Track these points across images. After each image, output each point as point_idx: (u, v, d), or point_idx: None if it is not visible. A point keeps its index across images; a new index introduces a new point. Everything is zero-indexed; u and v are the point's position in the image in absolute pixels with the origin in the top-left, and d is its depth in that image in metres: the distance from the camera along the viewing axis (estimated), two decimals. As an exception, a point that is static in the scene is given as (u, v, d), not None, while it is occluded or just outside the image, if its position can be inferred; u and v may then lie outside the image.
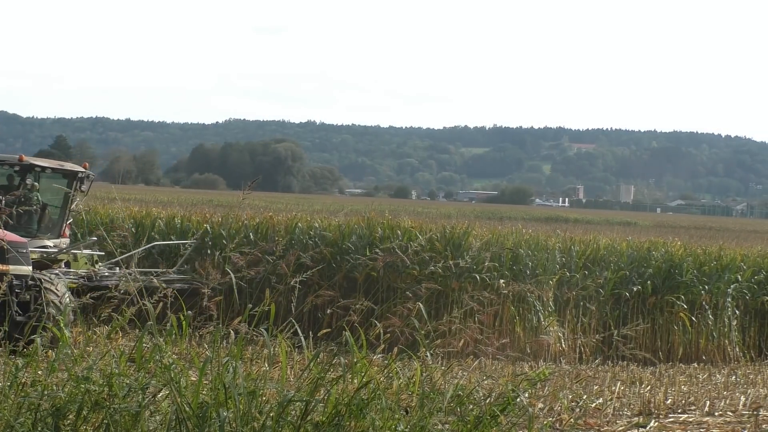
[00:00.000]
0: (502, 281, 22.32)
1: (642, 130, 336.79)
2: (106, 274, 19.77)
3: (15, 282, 16.75)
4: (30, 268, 17.37)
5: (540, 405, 12.68)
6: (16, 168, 20.33)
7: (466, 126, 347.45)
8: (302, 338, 9.34)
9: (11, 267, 17.08)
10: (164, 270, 20.35)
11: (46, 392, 7.77)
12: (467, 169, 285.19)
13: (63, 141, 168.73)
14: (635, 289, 24.28)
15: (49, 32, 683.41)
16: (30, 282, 16.92)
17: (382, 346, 10.58)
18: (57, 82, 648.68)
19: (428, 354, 9.48)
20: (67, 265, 20.06)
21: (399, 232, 23.42)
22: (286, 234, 23.50)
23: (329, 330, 15.88)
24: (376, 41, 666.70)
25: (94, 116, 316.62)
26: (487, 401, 8.54)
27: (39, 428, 7.67)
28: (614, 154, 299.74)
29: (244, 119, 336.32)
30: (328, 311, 19.10)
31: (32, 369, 8.08)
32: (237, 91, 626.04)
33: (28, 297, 16.90)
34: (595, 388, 16.26)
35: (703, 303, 24.75)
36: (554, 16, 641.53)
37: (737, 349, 24.91)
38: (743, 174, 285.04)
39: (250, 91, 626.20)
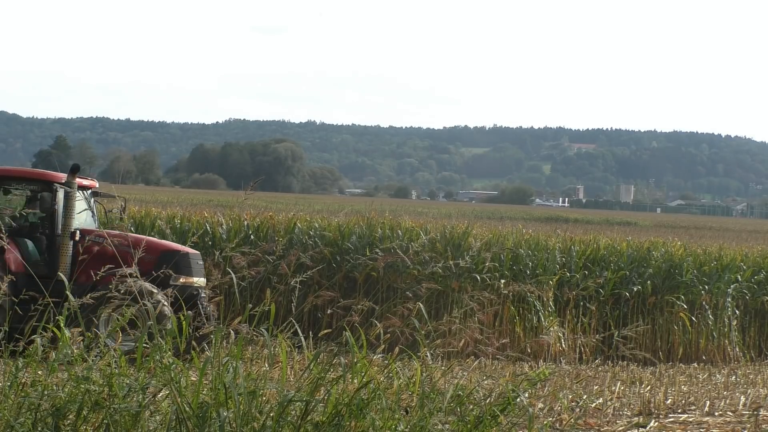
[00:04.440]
0: (502, 281, 22.32)
1: (642, 130, 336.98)
2: None
3: (202, 294, 16.67)
4: (204, 279, 17.24)
5: (540, 405, 12.67)
6: None
7: (466, 126, 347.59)
8: (302, 338, 9.35)
9: (195, 279, 17.03)
10: None
11: (46, 392, 7.76)
12: (467, 169, 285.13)
13: (63, 141, 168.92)
14: (635, 289, 24.28)
15: (50, 32, 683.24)
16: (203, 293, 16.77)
17: (383, 346, 10.57)
18: (57, 82, 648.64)
19: (428, 354, 9.48)
20: None
21: (399, 232, 23.44)
22: (286, 234, 23.49)
23: (329, 330, 15.89)
24: (376, 41, 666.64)
25: (94, 116, 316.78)
26: (487, 401, 8.54)
27: (39, 428, 7.67)
28: (614, 154, 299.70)
29: (244, 119, 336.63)
30: (329, 311, 19.10)
31: (32, 369, 8.08)
32: (237, 91, 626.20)
33: (210, 308, 16.82)
34: (595, 388, 16.25)
35: (703, 303, 24.76)
36: (554, 16, 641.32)
37: (737, 349, 24.92)
38: (743, 174, 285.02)
39: (250, 91, 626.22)
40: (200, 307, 16.57)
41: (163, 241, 18.50)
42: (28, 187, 17.71)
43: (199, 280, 17.10)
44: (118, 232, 18.31)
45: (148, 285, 15.52)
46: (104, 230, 17.79)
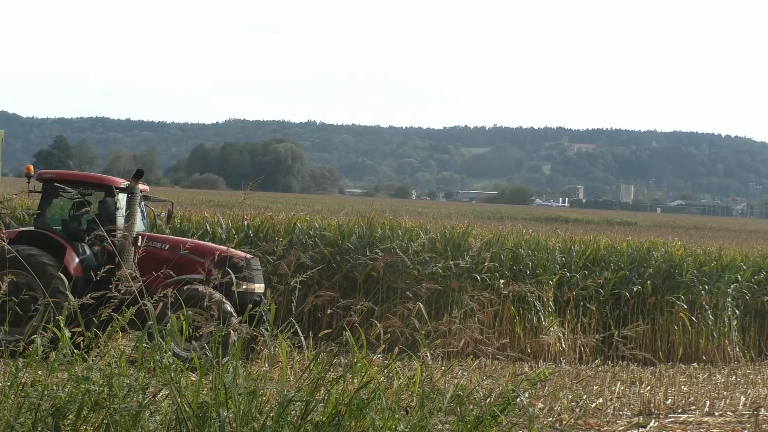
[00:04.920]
0: (502, 281, 22.32)
1: (642, 130, 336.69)
2: None
3: (264, 301, 16.74)
4: (263, 285, 17.37)
5: (540, 405, 12.67)
6: None
7: (466, 126, 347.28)
8: (302, 338, 9.36)
9: (256, 285, 17.12)
10: None
11: (46, 392, 7.76)
12: (467, 169, 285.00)
13: (63, 141, 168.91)
14: (635, 289, 24.28)
15: (50, 32, 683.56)
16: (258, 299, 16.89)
17: (383, 346, 10.58)
18: (57, 82, 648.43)
19: (428, 354, 9.48)
20: None
21: (399, 232, 23.45)
22: (286, 234, 23.48)
23: (329, 330, 15.89)
24: (376, 41, 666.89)
25: (94, 116, 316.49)
26: (487, 401, 8.54)
27: (39, 428, 7.67)
28: (614, 154, 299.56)
29: (244, 119, 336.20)
30: (328, 311, 19.10)
31: (32, 369, 8.08)
32: (237, 91, 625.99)
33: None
34: (595, 388, 16.25)
35: (703, 303, 24.76)
36: (554, 16, 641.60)
37: (737, 349, 24.91)
38: (743, 174, 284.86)
39: (250, 91, 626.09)
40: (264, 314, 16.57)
41: (225, 248, 18.56)
42: (86, 191, 17.80)
43: (260, 287, 17.21)
44: (179, 237, 18.35)
45: (212, 291, 15.57)
46: (163, 235, 17.91)
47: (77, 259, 16.90)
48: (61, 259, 16.51)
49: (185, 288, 15.12)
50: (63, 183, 17.65)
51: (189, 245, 15.51)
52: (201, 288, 15.82)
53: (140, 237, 17.03)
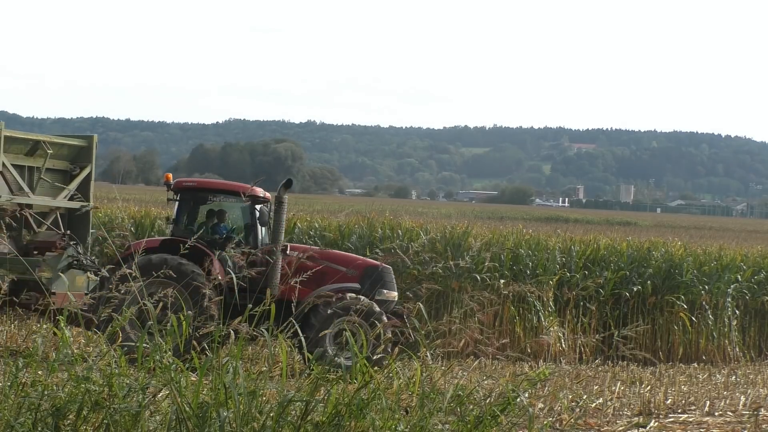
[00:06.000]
0: (502, 281, 22.33)
1: (642, 130, 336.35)
2: None
3: (398, 308, 16.81)
4: (397, 293, 17.49)
5: (540, 405, 12.67)
6: None
7: (466, 126, 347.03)
8: (302, 338, 9.36)
9: (394, 293, 17.26)
10: None
11: (46, 392, 7.76)
12: (467, 169, 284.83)
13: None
14: (635, 289, 24.28)
15: (50, 32, 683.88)
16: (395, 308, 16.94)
17: (383, 346, 10.58)
18: (57, 82, 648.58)
19: (428, 354, 9.48)
20: None
21: (399, 232, 23.47)
22: (286, 234, 23.49)
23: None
24: (376, 41, 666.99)
25: (94, 116, 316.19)
26: (487, 401, 8.54)
27: (39, 428, 7.66)
28: (614, 154, 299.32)
29: (244, 119, 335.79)
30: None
31: (32, 369, 8.07)
32: (237, 91, 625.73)
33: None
34: (595, 388, 16.26)
35: (703, 303, 24.76)
36: (554, 16, 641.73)
37: (737, 349, 24.92)
38: (743, 174, 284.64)
39: (250, 91, 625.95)
40: (405, 320, 16.72)
41: (362, 257, 18.64)
42: (225, 200, 17.80)
43: (395, 295, 17.35)
44: (319, 247, 18.42)
45: (366, 300, 15.74)
46: (303, 244, 17.94)
47: (221, 267, 16.75)
48: (209, 268, 16.31)
49: (340, 296, 15.54)
50: (204, 192, 17.65)
51: (330, 254, 15.71)
52: (353, 296, 16.05)
53: (288, 247, 17.07)
